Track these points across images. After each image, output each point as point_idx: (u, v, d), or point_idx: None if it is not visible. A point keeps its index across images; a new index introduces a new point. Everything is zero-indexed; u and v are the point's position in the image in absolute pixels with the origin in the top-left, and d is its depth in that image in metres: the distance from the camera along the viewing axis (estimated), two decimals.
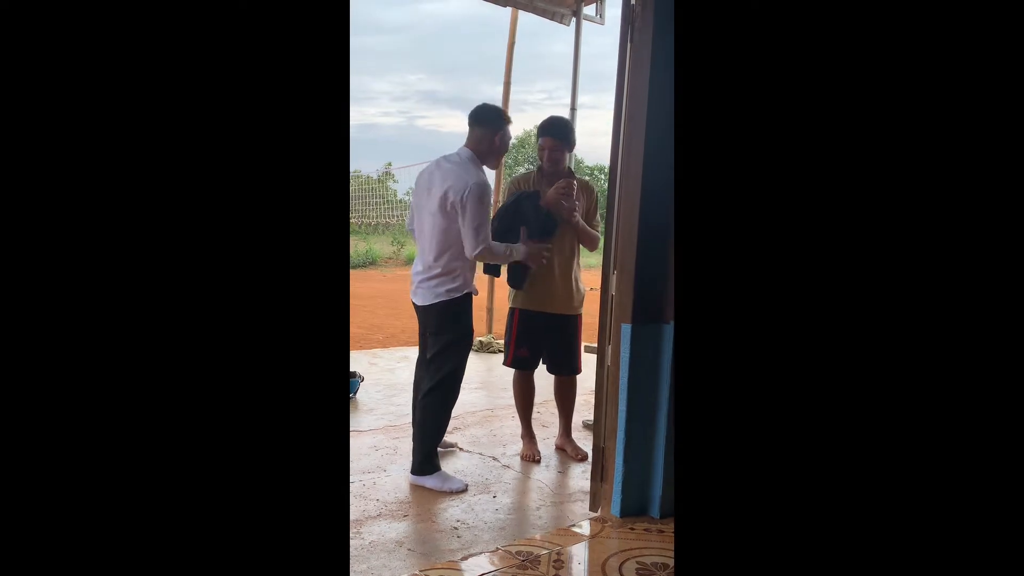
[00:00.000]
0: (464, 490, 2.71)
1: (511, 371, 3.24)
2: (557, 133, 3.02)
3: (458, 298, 2.72)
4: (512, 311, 3.13)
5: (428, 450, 2.75)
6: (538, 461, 3.08)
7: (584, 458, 3.09)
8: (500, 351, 5.58)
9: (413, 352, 3.10)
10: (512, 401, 3.37)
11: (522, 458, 3.11)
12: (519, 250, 2.78)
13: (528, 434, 3.20)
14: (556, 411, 3.35)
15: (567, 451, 3.20)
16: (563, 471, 3.02)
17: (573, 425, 3.32)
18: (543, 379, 3.26)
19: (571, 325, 3.11)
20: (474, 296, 2.82)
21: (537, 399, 3.28)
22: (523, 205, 2.93)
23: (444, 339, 2.75)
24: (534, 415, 3.29)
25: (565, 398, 3.25)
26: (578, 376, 3.24)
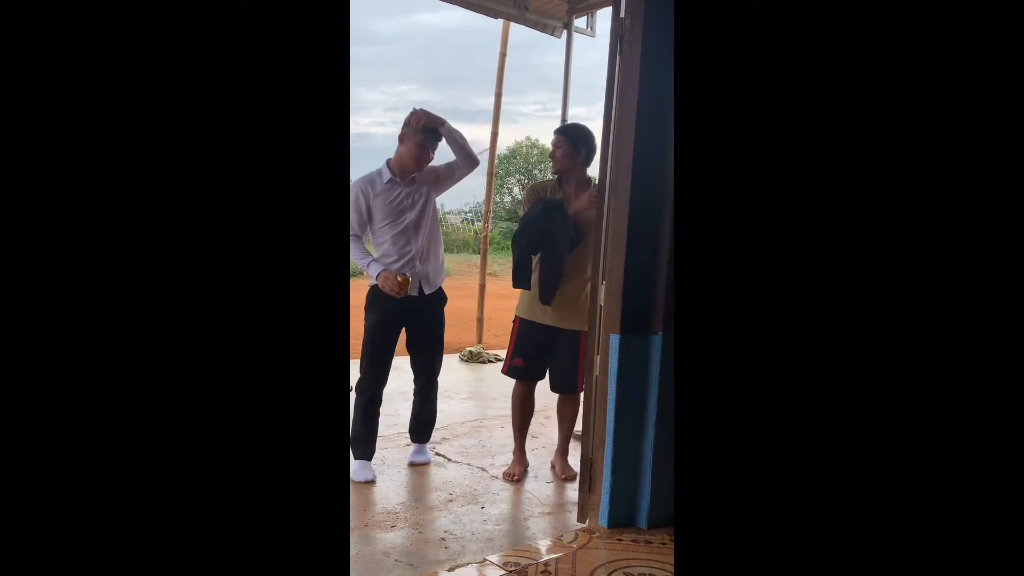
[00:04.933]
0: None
1: (501, 381, 3.19)
2: (564, 132, 3.00)
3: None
4: (514, 319, 3.05)
5: (352, 434, 2.92)
6: (518, 481, 2.97)
7: (570, 479, 2.99)
8: (489, 361, 5.57)
9: (401, 362, 3.07)
10: (502, 411, 3.34)
11: (503, 475, 3.01)
12: (373, 269, 2.89)
13: (519, 452, 3.09)
14: (547, 421, 3.30)
15: (555, 469, 3.11)
16: (552, 482, 3.01)
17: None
18: (537, 392, 3.18)
19: (574, 340, 2.94)
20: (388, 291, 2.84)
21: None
22: (553, 215, 2.83)
23: None
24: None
25: (564, 415, 3.12)
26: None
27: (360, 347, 2.87)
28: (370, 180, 2.94)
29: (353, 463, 2.91)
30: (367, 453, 2.94)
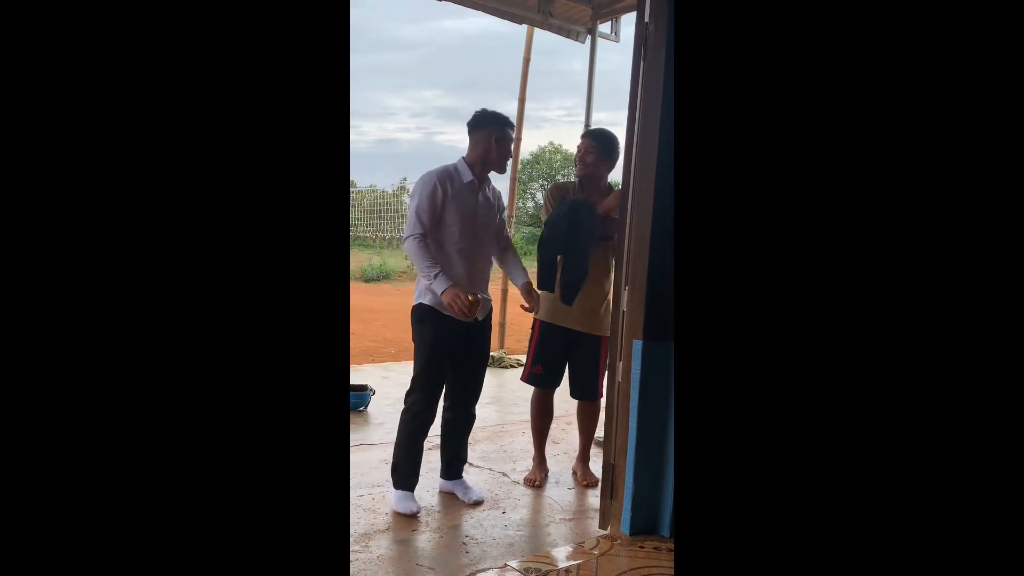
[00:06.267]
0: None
1: (522, 386, 3.18)
2: (595, 136, 2.96)
3: (413, 308, 2.65)
4: (534, 323, 3.00)
5: (395, 461, 2.66)
6: (539, 487, 2.97)
7: (591, 485, 2.98)
8: (511, 366, 5.56)
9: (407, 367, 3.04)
10: (524, 417, 3.32)
11: (524, 481, 3.01)
12: (440, 283, 2.46)
13: (539, 457, 3.08)
14: (568, 427, 3.29)
15: (577, 475, 3.10)
16: (573, 488, 3.00)
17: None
18: (558, 397, 3.17)
19: (594, 345, 2.92)
20: (439, 309, 2.53)
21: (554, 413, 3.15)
22: (580, 212, 2.78)
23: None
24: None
25: (585, 421, 3.09)
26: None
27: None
28: (448, 175, 2.56)
29: (395, 494, 2.63)
30: (411, 483, 2.65)
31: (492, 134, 2.59)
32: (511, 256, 2.85)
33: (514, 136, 2.69)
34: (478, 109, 2.67)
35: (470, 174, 2.59)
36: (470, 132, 2.65)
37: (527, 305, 2.73)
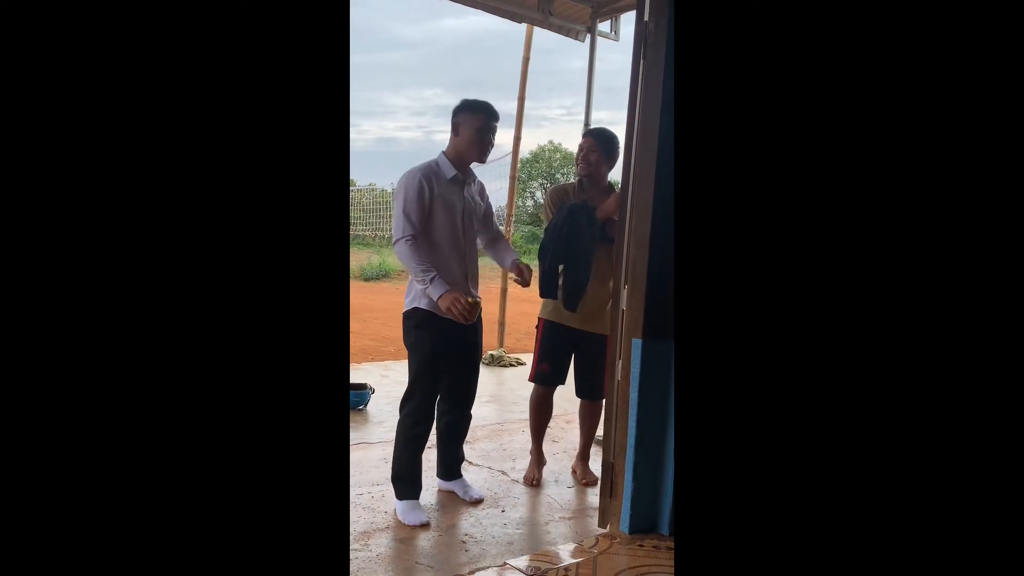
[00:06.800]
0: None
1: (522, 385, 3.18)
2: (597, 136, 2.95)
3: (406, 312, 2.57)
4: (538, 322, 3.01)
5: (396, 472, 2.59)
6: (536, 485, 2.98)
7: (591, 484, 2.99)
8: (511, 365, 5.58)
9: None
10: (523, 415, 3.32)
11: (523, 479, 3.02)
12: (437, 287, 2.39)
13: (537, 454, 3.08)
14: (568, 426, 3.29)
15: (576, 473, 3.10)
16: (573, 486, 3.00)
17: None
18: (558, 395, 3.16)
19: (599, 345, 2.87)
20: (437, 314, 2.46)
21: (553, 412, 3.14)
22: (578, 217, 2.77)
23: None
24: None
25: (587, 421, 3.09)
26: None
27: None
28: (431, 171, 2.48)
29: (400, 505, 2.55)
30: (415, 492, 2.58)
31: (473, 123, 2.51)
32: (501, 243, 2.81)
33: (496, 125, 2.58)
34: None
35: (452, 169, 2.52)
36: (452, 124, 2.57)
37: (519, 279, 2.66)
